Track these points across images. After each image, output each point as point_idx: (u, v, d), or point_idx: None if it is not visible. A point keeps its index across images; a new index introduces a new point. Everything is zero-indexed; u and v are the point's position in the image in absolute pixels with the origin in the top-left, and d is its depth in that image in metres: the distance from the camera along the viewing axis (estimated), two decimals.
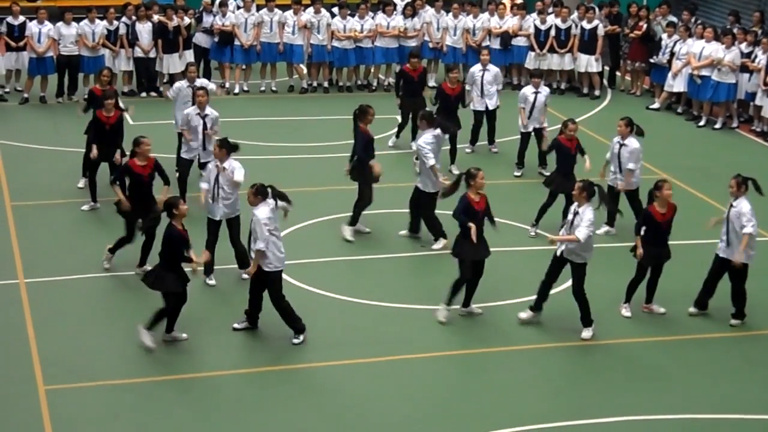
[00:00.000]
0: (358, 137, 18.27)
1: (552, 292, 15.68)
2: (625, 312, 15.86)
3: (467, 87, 22.31)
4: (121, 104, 19.86)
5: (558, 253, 15.37)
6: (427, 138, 17.79)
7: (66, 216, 19.03)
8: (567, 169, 18.20)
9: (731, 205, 15.55)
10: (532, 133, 21.30)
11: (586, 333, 15.31)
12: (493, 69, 22.63)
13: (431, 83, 27.55)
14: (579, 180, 15.47)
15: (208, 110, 18.78)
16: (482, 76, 22.35)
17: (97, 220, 18.97)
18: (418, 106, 21.73)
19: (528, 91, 21.21)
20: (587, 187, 15.15)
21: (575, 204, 15.17)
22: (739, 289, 15.69)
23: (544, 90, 21.37)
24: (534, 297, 15.60)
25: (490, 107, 22.48)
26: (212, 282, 16.46)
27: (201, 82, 20.61)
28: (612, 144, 18.28)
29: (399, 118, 22.99)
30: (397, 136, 22.99)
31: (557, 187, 18.16)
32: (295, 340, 14.78)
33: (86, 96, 20.66)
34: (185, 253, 14.36)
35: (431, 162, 17.59)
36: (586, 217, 14.94)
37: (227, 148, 16.32)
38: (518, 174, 21.48)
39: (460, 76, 22.08)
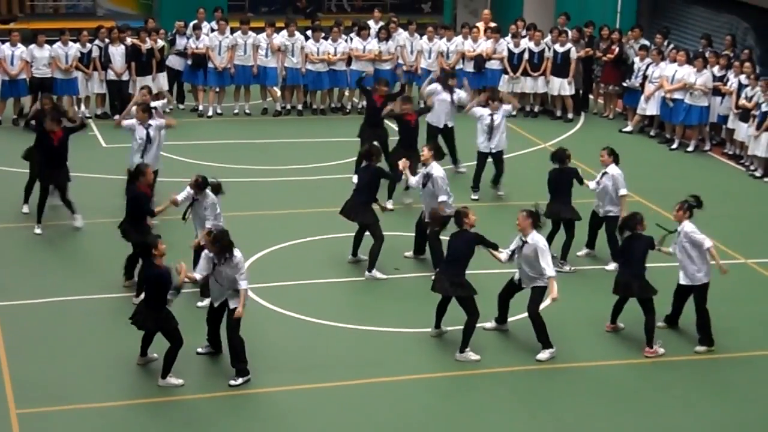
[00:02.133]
0: (366, 177, 17.94)
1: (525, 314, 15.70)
2: (661, 350, 15.66)
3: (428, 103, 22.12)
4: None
5: (515, 280, 15.45)
6: (441, 171, 17.64)
7: (38, 239, 18.91)
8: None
9: (677, 231, 15.62)
10: (490, 155, 21.13)
11: (542, 355, 15.28)
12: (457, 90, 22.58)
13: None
14: (522, 209, 15.43)
15: (151, 121, 19.19)
16: (451, 98, 22.21)
17: (68, 243, 18.90)
18: (380, 136, 21.62)
19: (485, 112, 20.94)
20: (533, 215, 15.21)
21: (520, 233, 15.24)
22: (701, 311, 15.69)
23: (502, 110, 21.00)
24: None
25: (450, 125, 22.32)
26: (203, 304, 16.06)
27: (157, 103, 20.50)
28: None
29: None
30: (356, 171, 20.79)
31: (552, 214, 17.88)
32: (233, 382, 14.30)
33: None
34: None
35: (445, 198, 17.49)
36: (543, 249, 15.04)
37: (201, 186, 16.08)
38: (475, 198, 21.22)
39: (413, 104, 21.61)
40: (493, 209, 20.59)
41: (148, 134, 19.10)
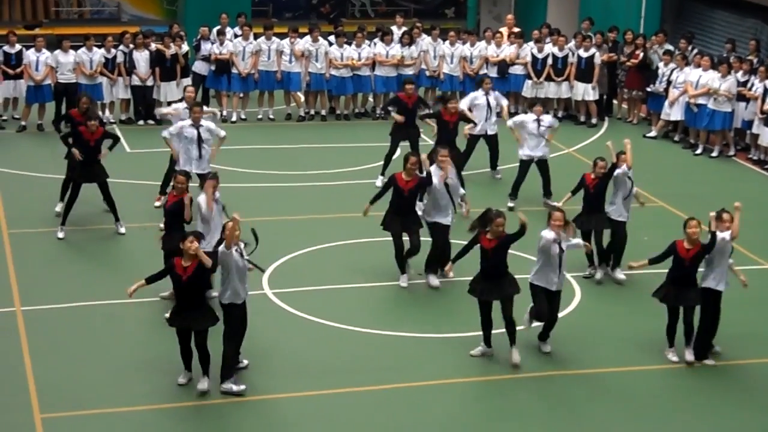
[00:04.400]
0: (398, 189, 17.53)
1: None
2: (672, 356, 15.49)
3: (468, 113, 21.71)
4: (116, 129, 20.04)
5: (554, 288, 15.26)
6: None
7: (62, 244, 19.01)
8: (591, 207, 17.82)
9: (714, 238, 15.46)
10: (534, 163, 20.93)
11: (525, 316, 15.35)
12: (494, 92, 22.62)
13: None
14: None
15: (203, 122, 19.22)
16: (488, 101, 22.21)
17: (94, 248, 18.99)
18: (411, 135, 21.74)
19: (529, 119, 20.82)
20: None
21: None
22: (715, 319, 15.49)
23: (546, 118, 20.93)
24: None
25: (491, 132, 22.42)
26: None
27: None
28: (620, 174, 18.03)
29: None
30: (383, 172, 21.89)
31: (582, 225, 17.57)
32: (226, 387, 14.13)
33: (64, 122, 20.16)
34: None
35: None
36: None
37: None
38: (512, 205, 20.71)
39: (458, 104, 21.52)
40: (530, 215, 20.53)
41: (199, 134, 19.05)
